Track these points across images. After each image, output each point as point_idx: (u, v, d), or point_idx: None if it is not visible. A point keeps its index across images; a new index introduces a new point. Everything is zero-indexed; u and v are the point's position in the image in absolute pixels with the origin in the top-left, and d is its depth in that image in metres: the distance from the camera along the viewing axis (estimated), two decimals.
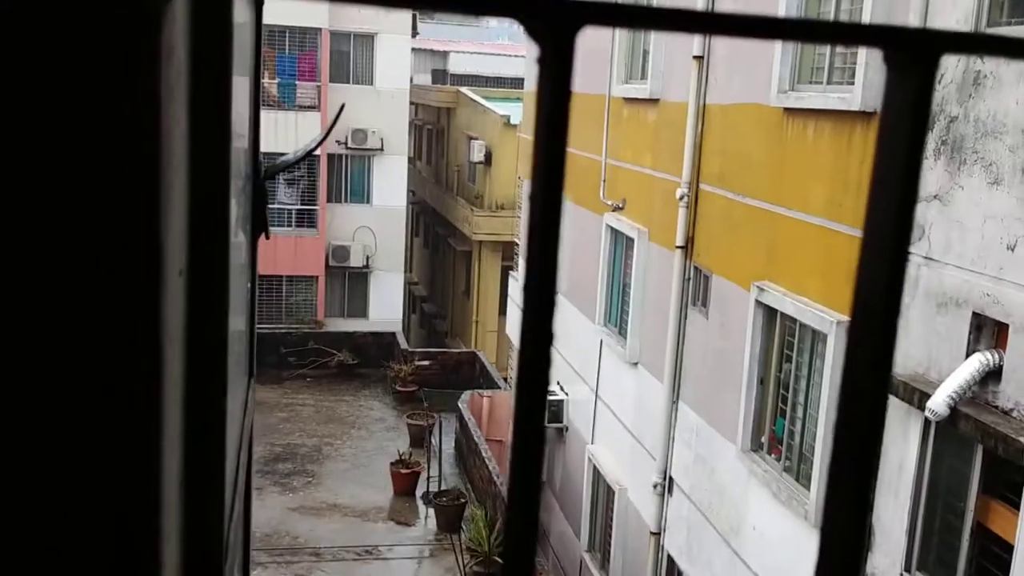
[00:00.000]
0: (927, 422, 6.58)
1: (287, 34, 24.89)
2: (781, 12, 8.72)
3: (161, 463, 0.58)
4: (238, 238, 1.29)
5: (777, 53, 8.76)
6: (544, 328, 0.45)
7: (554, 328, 0.46)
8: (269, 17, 22.78)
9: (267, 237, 1.73)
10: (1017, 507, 5.97)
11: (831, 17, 8.30)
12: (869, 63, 7.47)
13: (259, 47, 2.06)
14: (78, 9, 0.44)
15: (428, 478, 17.37)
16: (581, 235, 14.29)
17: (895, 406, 6.97)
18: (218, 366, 0.75)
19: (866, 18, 7.51)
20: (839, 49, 8.25)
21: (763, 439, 9.23)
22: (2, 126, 0.43)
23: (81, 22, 0.45)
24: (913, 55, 0.44)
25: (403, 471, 17.42)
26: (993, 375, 6.13)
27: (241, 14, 1.18)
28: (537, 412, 0.48)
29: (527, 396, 0.47)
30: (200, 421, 0.72)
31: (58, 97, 0.45)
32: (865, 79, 7.48)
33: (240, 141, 1.40)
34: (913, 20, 6.94)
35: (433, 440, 18.18)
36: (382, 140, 26.01)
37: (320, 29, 25.04)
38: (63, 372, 0.49)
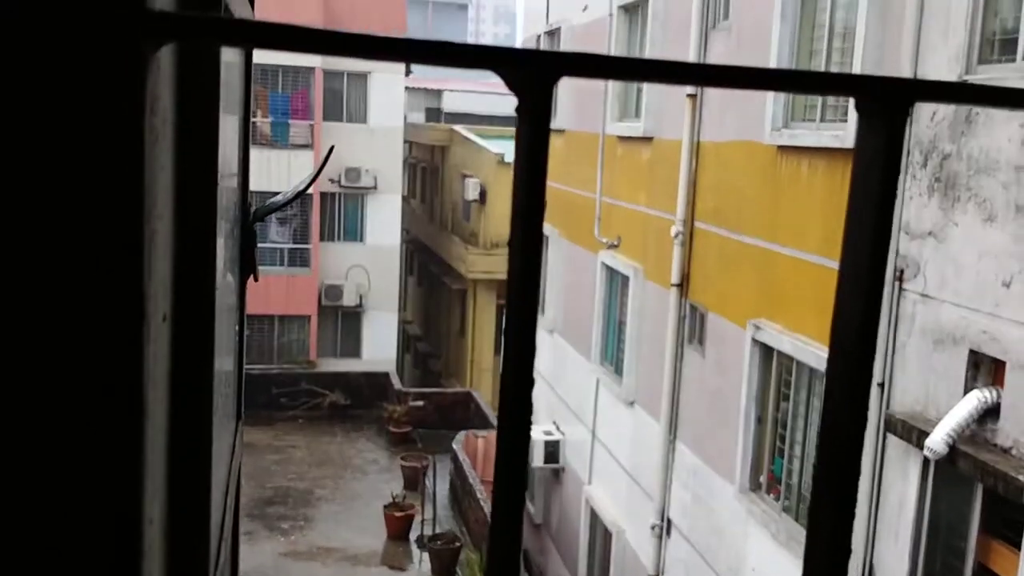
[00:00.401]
0: (926, 461, 6.55)
1: (280, 73, 25.09)
2: (773, 53, 8.82)
3: (142, 509, 0.57)
4: (226, 280, 1.29)
5: (770, 91, 8.84)
6: (525, 372, 0.45)
7: (534, 372, 0.46)
8: (262, 56, 22.95)
9: (255, 279, 1.73)
10: (1018, 547, 5.92)
11: (824, 54, 8.40)
12: None
13: (249, 86, 2.07)
14: (60, 61, 0.45)
15: (422, 521, 17.19)
16: (576, 273, 14.31)
17: (894, 445, 6.95)
18: (204, 412, 0.75)
19: (857, 55, 7.59)
20: None
21: (761, 479, 9.17)
22: None
23: (64, 74, 0.45)
24: (884, 104, 0.45)
25: (397, 514, 17.23)
26: (991, 412, 6.11)
27: (230, 53, 1.19)
28: (520, 458, 0.48)
29: (509, 441, 0.46)
30: (185, 467, 0.71)
31: (41, 148, 0.45)
32: None
33: (229, 181, 1.41)
34: (905, 58, 7.02)
35: (427, 482, 18.03)
36: (376, 178, 26.10)
37: (313, 68, 25.24)
38: (42, 417, 0.49)
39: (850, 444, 0.49)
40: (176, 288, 0.62)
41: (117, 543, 0.55)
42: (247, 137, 1.76)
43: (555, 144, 14.60)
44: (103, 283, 0.48)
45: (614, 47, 12.84)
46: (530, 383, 0.45)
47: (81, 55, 0.45)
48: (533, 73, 0.43)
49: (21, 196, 0.46)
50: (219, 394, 1.07)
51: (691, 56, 10.44)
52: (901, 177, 7.08)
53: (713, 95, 10.26)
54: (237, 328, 1.65)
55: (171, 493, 0.68)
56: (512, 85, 0.44)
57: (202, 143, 0.67)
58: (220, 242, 1.01)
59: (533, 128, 0.44)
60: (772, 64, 8.82)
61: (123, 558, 0.55)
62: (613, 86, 12.92)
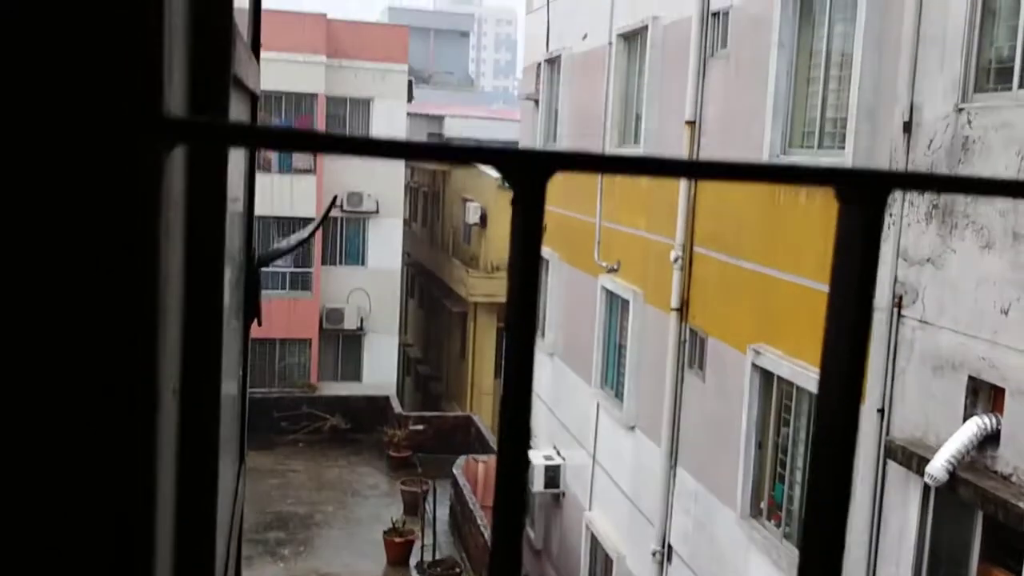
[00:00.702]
0: (926, 487, 6.54)
1: (284, 99, 25.25)
2: (771, 80, 8.88)
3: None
4: (230, 326, 1.32)
5: (768, 117, 8.91)
6: (523, 400, 0.47)
7: (534, 396, 0.48)
8: (265, 82, 23.14)
9: (259, 324, 1.76)
10: (1019, 574, 5.90)
11: (821, 81, 8.46)
12: (859, 128, 7.59)
13: (255, 121, 2.10)
14: (80, 162, 0.47)
15: (422, 547, 17.11)
16: (576, 297, 14.33)
17: (894, 471, 6.94)
18: (208, 478, 0.77)
19: (854, 83, 7.65)
20: (829, 114, 8.40)
21: (762, 504, 9.15)
22: (10, 270, 0.46)
23: (82, 175, 0.47)
24: (862, 193, 0.47)
25: (397, 540, 17.15)
26: (991, 439, 6.12)
27: (237, 110, 1.22)
28: (519, 481, 0.49)
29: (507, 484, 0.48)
30: (190, 530, 0.72)
31: (60, 244, 0.48)
32: (856, 143, 7.60)
33: (235, 226, 1.43)
34: (901, 86, 7.08)
35: (427, 507, 17.97)
36: (377, 203, 26.21)
37: (316, 94, 25.40)
38: (57, 493, 0.50)
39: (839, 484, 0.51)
40: (185, 360, 0.64)
41: None
42: (252, 177, 1.79)
43: None
44: (118, 365, 0.50)
45: (613, 75, 12.93)
46: (528, 409, 0.47)
47: (100, 157, 0.48)
48: (530, 168, 0.45)
49: (40, 287, 0.49)
50: (223, 440, 1.09)
51: (690, 84, 10.51)
52: (898, 204, 7.12)
53: (712, 122, 10.32)
54: (240, 373, 1.67)
55: (177, 558, 0.69)
56: (509, 179, 0.46)
57: (210, 219, 0.70)
58: (226, 292, 1.03)
59: (528, 220, 0.46)
60: (770, 91, 8.89)
61: None
62: (613, 112, 13.00)
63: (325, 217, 2.81)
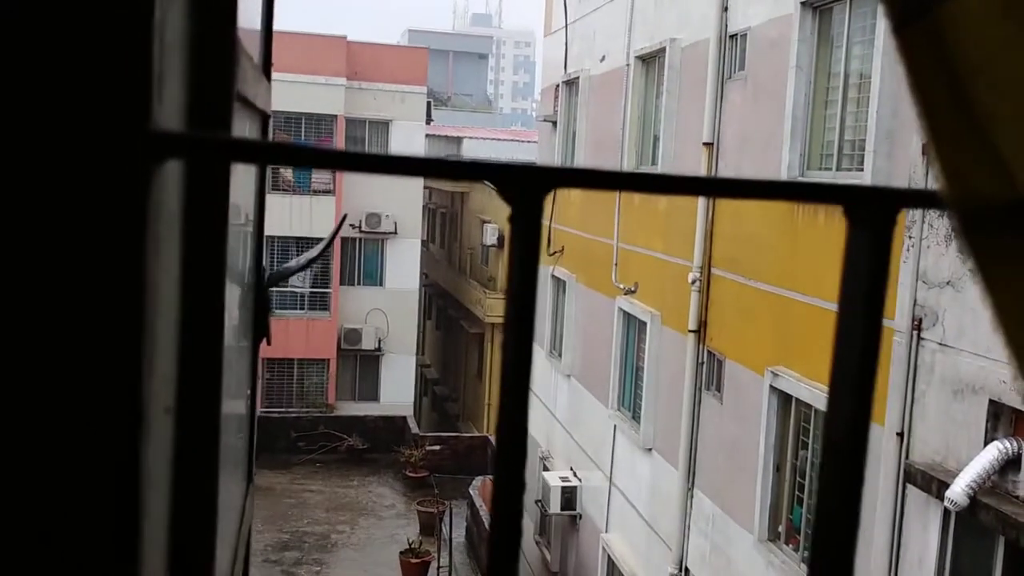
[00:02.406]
0: (947, 512, 6.46)
1: (303, 120, 25.44)
2: (788, 102, 8.87)
3: None
4: (239, 346, 1.31)
5: (787, 138, 8.88)
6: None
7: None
8: (286, 104, 23.28)
9: (268, 343, 1.75)
10: None
11: (839, 103, 8.44)
12: (878, 150, 7.56)
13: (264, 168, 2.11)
14: (63, 174, 0.47)
15: (438, 568, 17.05)
16: (593, 318, 14.30)
17: (914, 495, 6.86)
18: (206, 504, 0.75)
19: (872, 105, 7.63)
20: (847, 135, 8.37)
21: (780, 528, 9.06)
22: None
23: (65, 187, 0.47)
24: (870, 210, 0.46)
25: (413, 560, 17.10)
26: (1012, 463, 6.04)
27: (244, 128, 1.22)
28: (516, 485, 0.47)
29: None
30: (187, 556, 0.71)
31: (44, 256, 0.47)
32: (874, 165, 7.56)
33: (244, 244, 1.43)
34: None
35: (444, 528, 17.90)
36: (396, 224, 26.30)
37: (336, 116, 25.57)
38: (36, 523, 0.49)
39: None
40: (181, 377, 0.63)
41: None
42: (262, 196, 1.79)
43: (573, 191, 14.66)
44: (101, 380, 0.49)
45: (631, 96, 12.96)
46: (525, 433, 0.46)
47: (86, 169, 0.47)
48: (526, 185, 0.44)
49: (22, 301, 0.48)
50: (227, 459, 1.08)
51: (707, 105, 10.51)
52: (917, 226, 7.07)
53: (729, 143, 10.31)
54: (248, 392, 1.67)
55: None
56: (506, 196, 0.46)
57: (210, 236, 0.69)
58: (232, 311, 1.03)
59: (525, 237, 0.45)
60: (788, 112, 8.87)
61: None
62: (630, 133, 13.01)
63: (334, 236, 2.82)
